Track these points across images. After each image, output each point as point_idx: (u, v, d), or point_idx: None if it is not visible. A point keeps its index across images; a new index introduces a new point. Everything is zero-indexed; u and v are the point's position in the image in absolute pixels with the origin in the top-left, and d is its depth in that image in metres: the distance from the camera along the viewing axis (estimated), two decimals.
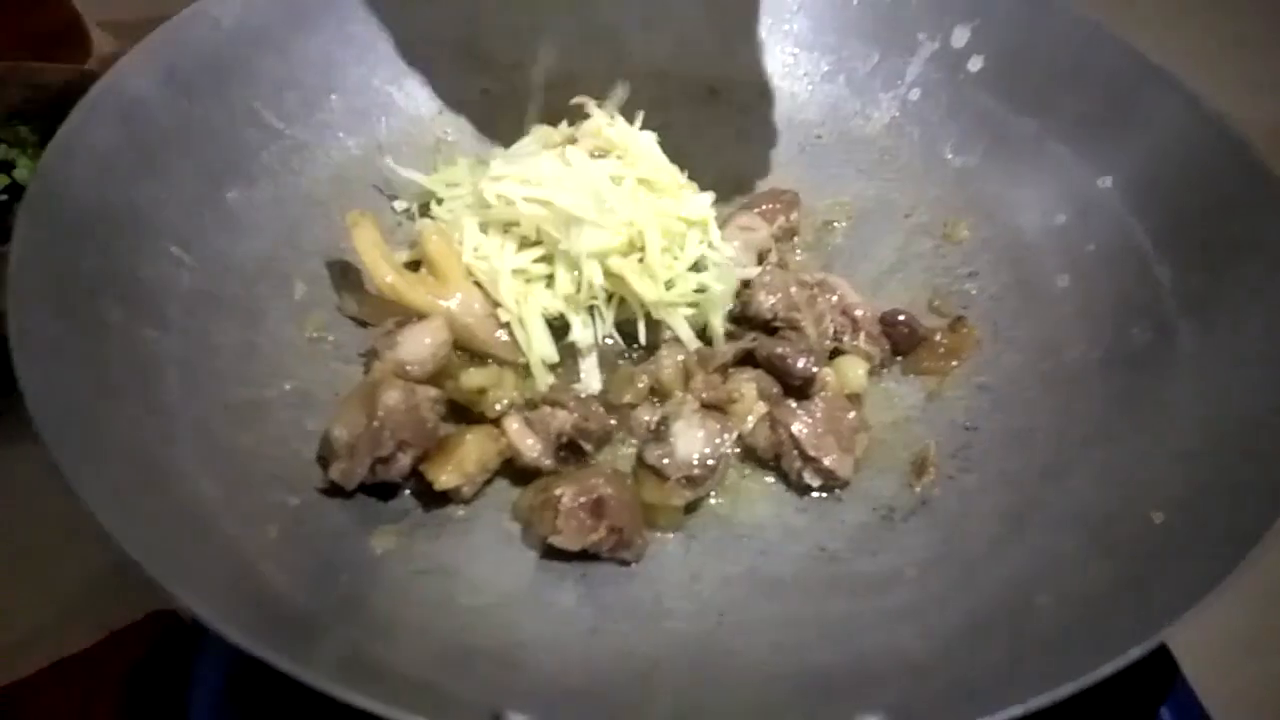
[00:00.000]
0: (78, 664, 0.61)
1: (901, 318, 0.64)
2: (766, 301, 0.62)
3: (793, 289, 0.63)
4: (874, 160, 0.76)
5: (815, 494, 0.58)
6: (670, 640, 0.49)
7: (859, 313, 0.63)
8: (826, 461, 0.56)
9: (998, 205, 0.71)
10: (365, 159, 0.69)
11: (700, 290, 0.63)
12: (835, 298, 0.64)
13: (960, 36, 0.74)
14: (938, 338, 0.64)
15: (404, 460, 0.52)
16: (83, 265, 0.51)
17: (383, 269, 0.60)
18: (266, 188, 0.63)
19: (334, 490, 0.52)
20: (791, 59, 0.79)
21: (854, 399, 0.61)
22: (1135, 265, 0.62)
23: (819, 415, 0.57)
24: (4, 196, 0.74)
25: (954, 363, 0.64)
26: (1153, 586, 0.45)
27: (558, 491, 0.52)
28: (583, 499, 0.52)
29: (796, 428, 0.57)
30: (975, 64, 0.73)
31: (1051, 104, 0.70)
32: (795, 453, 0.57)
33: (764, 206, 0.70)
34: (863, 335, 0.63)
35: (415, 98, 0.73)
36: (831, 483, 0.57)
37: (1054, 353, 0.62)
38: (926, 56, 0.75)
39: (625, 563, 0.53)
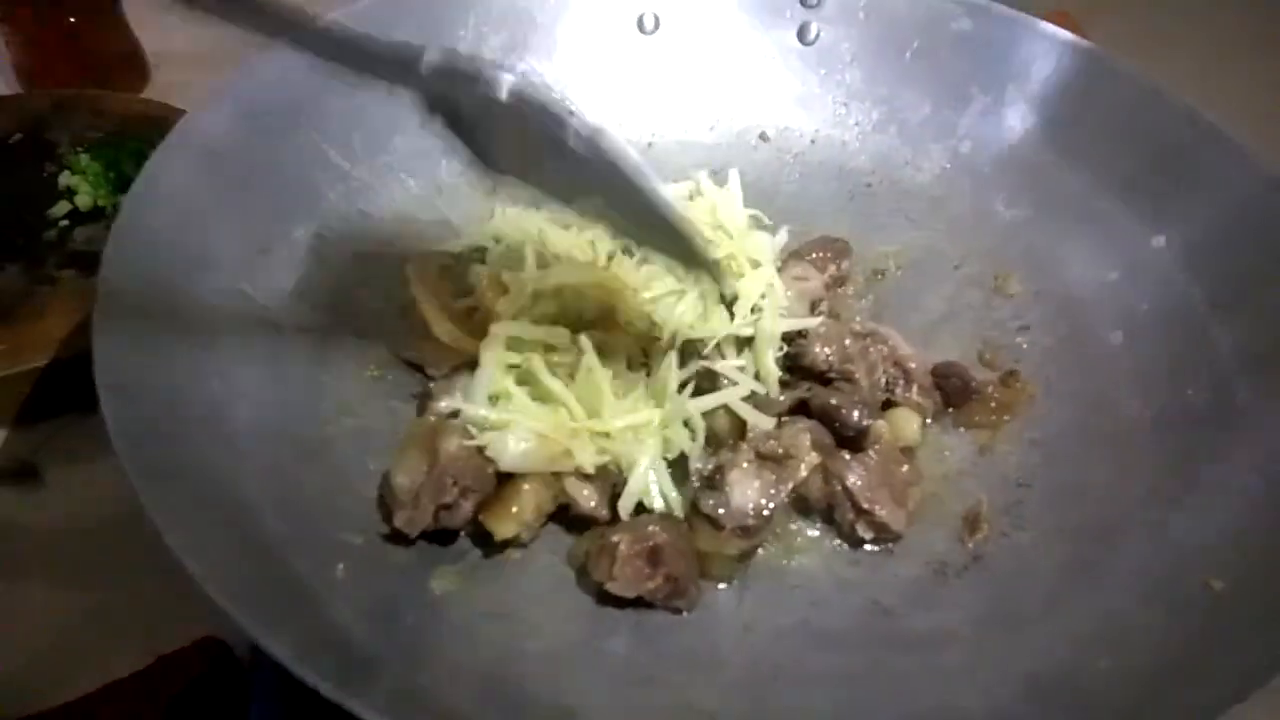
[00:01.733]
0: (126, 689, 0.61)
1: (954, 370, 0.64)
2: (822, 353, 0.62)
3: (847, 341, 0.63)
4: (924, 210, 0.76)
5: (868, 547, 0.57)
6: (726, 692, 0.49)
7: (911, 365, 0.63)
8: (880, 514, 0.56)
9: (1049, 259, 0.71)
10: (425, 200, 0.71)
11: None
12: (886, 349, 0.64)
13: (1014, 92, 0.74)
14: (990, 391, 0.64)
15: (466, 506, 0.52)
16: (161, 298, 0.52)
17: (440, 318, 0.60)
18: (333, 226, 0.65)
19: (397, 536, 0.52)
20: (843, 109, 0.80)
21: (907, 452, 0.61)
22: (1191, 325, 0.62)
23: (872, 467, 0.57)
24: (66, 222, 0.75)
25: (1006, 417, 0.64)
26: (1217, 657, 0.45)
27: (615, 538, 0.52)
28: (639, 546, 0.52)
29: (850, 480, 0.57)
30: (1028, 119, 0.74)
31: (1105, 161, 0.71)
32: (848, 504, 0.57)
33: (815, 255, 0.70)
34: (915, 387, 0.63)
35: None
36: (884, 536, 0.57)
37: (1107, 410, 0.62)
38: (979, 110, 0.76)
39: (678, 611, 0.53)
